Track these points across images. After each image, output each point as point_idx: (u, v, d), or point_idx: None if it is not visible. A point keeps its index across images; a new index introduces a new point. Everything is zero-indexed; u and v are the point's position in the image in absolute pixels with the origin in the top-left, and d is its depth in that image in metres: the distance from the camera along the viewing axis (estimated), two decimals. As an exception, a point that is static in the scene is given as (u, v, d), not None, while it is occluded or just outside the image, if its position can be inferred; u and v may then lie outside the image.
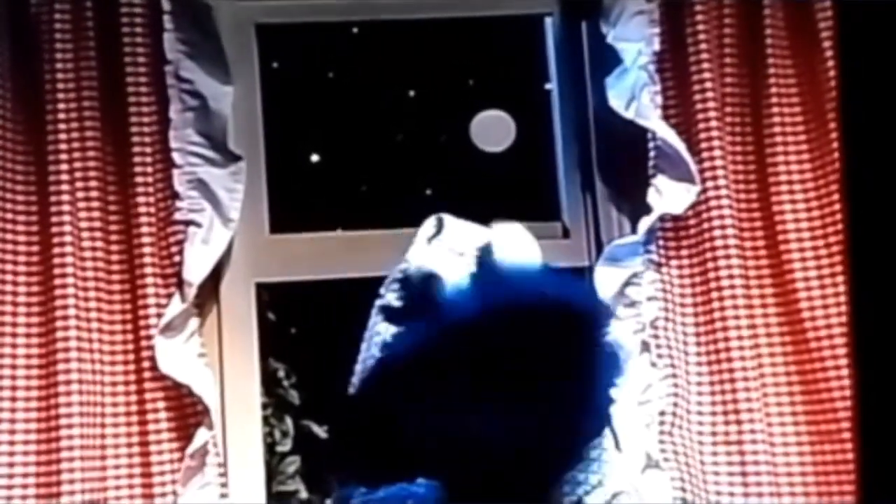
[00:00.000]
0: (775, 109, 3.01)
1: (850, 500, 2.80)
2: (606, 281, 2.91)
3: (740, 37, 3.05)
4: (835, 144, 2.91)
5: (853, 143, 1.58)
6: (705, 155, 2.97)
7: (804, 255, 2.96)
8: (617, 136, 3.06)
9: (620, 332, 2.84)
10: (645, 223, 2.94)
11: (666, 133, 2.95)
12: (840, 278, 2.89)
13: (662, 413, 2.89)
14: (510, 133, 3.96)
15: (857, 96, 1.56)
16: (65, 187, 2.82)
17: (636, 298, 2.94)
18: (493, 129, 3.98)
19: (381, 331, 2.36)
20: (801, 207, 2.99)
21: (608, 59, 3.03)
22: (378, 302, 2.41)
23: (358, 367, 2.37)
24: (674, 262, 2.97)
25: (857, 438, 1.59)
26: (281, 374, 4.56)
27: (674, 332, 2.94)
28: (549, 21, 3.23)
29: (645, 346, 2.92)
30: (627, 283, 2.93)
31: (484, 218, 2.86)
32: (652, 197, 2.95)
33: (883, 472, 1.48)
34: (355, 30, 4.45)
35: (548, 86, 3.27)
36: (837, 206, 2.91)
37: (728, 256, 2.93)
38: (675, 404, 2.90)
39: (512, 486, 2.12)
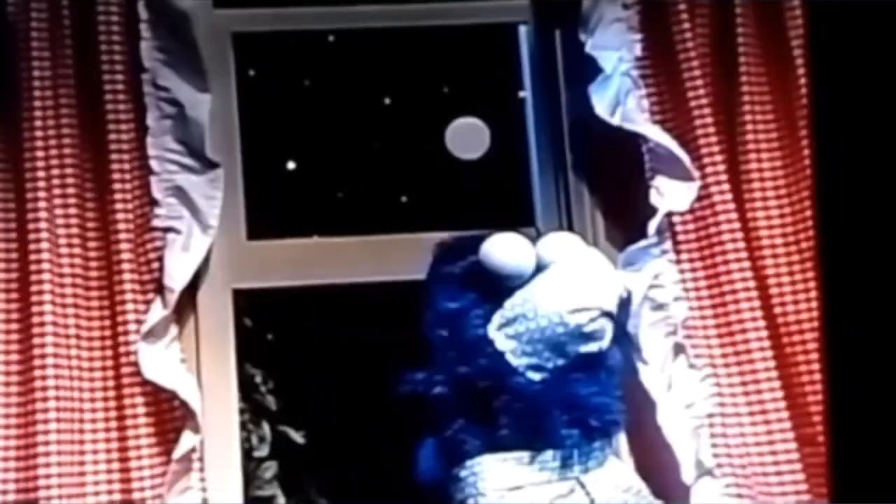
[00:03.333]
0: (748, 117, 3.04)
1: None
2: (630, 286, 2.88)
3: (713, 44, 3.07)
4: (806, 150, 2.94)
5: (824, 148, 1.61)
6: (704, 152, 2.99)
7: (777, 261, 2.99)
8: (592, 140, 3.09)
9: (651, 336, 2.88)
10: (654, 224, 2.95)
11: (657, 135, 2.97)
12: (812, 283, 2.92)
13: (710, 415, 2.89)
14: (485, 140, 3.96)
15: (828, 101, 1.58)
16: (42, 194, 2.82)
17: (663, 300, 2.94)
18: (467, 137, 3.98)
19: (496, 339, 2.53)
20: (775, 213, 3.01)
21: (583, 66, 3.05)
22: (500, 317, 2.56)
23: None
24: (688, 262, 2.99)
25: (829, 440, 1.61)
26: (258, 379, 4.56)
27: (703, 331, 2.95)
28: (523, 29, 3.25)
29: (679, 349, 2.92)
30: (652, 286, 2.94)
31: (460, 224, 2.89)
32: (654, 198, 2.96)
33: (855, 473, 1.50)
34: (331, 38, 4.46)
35: (521, 93, 3.29)
36: (809, 212, 2.93)
37: (738, 250, 2.95)
38: (721, 404, 2.90)
39: None
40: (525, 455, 2.51)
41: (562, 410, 2.51)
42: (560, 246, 2.65)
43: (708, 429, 2.89)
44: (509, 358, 2.52)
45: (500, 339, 2.53)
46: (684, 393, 2.89)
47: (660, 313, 2.94)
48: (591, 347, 2.53)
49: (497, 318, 2.55)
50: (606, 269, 2.64)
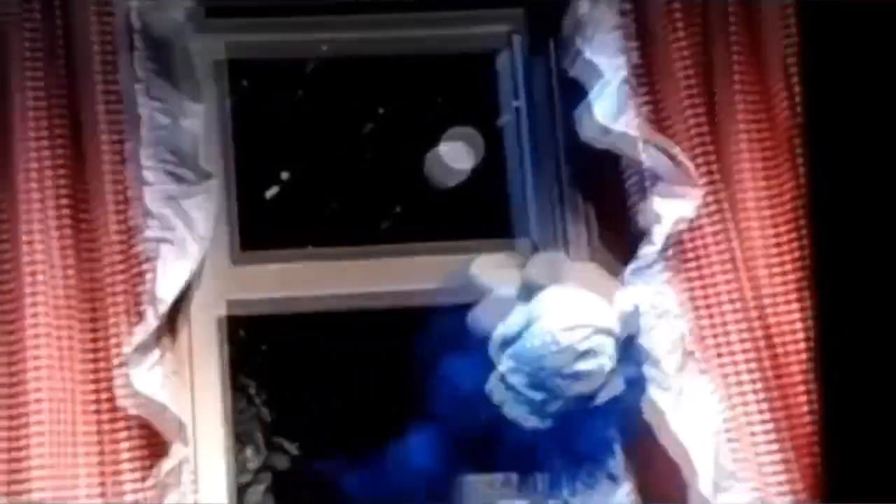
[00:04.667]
0: (742, 126, 3.03)
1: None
2: (638, 296, 2.87)
3: (707, 53, 3.07)
4: (800, 160, 2.94)
5: (815, 162, 1.61)
6: (700, 161, 3.00)
7: (772, 270, 2.97)
8: (587, 151, 3.08)
9: (658, 347, 2.87)
10: (659, 231, 2.95)
11: (659, 142, 2.97)
12: (805, 293, 2.91)
13: (726, 420, 2.90)
14: (478, 152, 3.97)
15: (820, 113, 1.59)
16: (35, 205, 2.82)
17: (667, 309, 2.94)
18: (459, 149, 3.99)
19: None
20: (769, 223, 3.00)
21: (577, 77, 3.05)
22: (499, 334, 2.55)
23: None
24: (685, 272, 2.99)
25: (821, 445, 1.62)
26: (252, 391, 4.56)
27: (713, 339, 2.95)
28: (516, 39, 3.25)
29: (690, 355, 2.92)
30: (657, 293, 2.94)
31: (452, 237, 2.89)
32: (657, 205, 2.97)
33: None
34: (324, 48, 4.46)
35: (515, 103, 3.29)
36: (803, 220, 2.93)
37: (728, 260, 2.96)
38: (733, 407, 2.91)
39: None
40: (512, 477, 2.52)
41: (559, 462, 2.53)
42: (551, 267, 2.63)
43: (725, 434, 2.88)
44: (506, 411, 2.50)
45: (501, 360, 2.52)
46: (697, 400, 2.89)
47: (664, 322, 2.93)
48: (589, 365, 2.50)
49: (498, 337, 2.54)
50: (601, 284, 2.62)
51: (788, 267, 2.96)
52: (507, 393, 2.50)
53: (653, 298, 2.92)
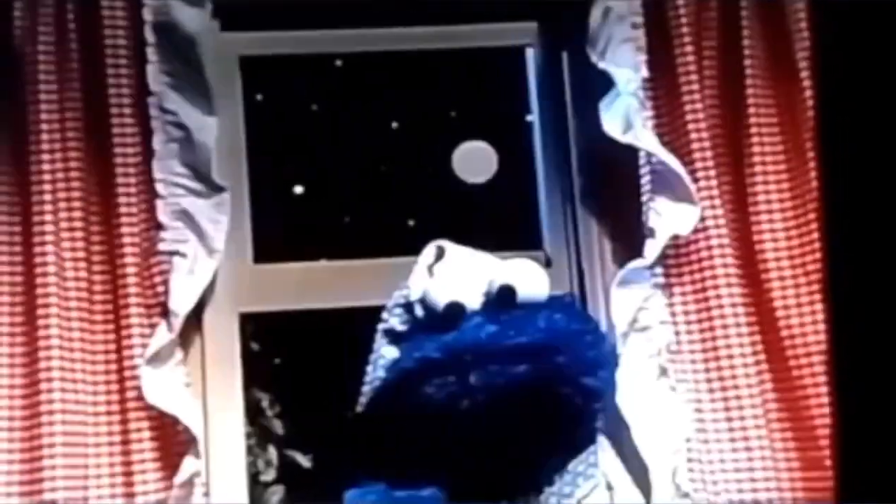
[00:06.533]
0: (755, 139, 3.03)
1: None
2: (621, 306, 2.91)
3: (719, 66, 3.07)
4: (813, 173, 2.94)
5: (830, 172, 1.60)
6: (701, 175, 2.99)
7: (784, 283, 2.98)
8: (599, 164, 3.09)
9: (635, 357, 2.88)
10: (653, 246, 2.94)
11: (665, 156, 2.96)
12: (818, 306, 2.90)
13: (689, 440, 2.89)
14: (492, 164, 3.97)
15: (834, 124, 1.58)
16: (48, 217, 2.82)
17: (648, 323, 2.94)
18: (474, 161, 3.99)
19: (385, 354, 2.53)
20: (782, 237, 3.00)
21: (590, 88, 3.05)
22: (381, 326, 2.58)
23: (365, 388, 2.56)
24: (678, 286, 2.98)
25: (834, 459, 1.61)
26: (265, 403, 4.56)
27: (690, 356, 2.95)
28: (529, 52, 3.25)
29: (663, 371, 2.92)
30: (640, 308, 2.93)
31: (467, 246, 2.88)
32: (653, 220, 2.96)
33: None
34: (339, 62, 4.47)
35: (529, 117, 3.29)
36: (816, 234, 2.93)
37: (728, 275, 2.95)
38: (701, 430, 2.90)
39: (505, 488, 2.42)
40: None
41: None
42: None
43: (686, 453, 2.88)
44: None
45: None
46: (663, 415, 2.88)
47: (644, 335, 2.93)
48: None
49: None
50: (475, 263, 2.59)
51: (802, 280, 2.97)
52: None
53: (635, 313, 2.92)
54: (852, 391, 1.53)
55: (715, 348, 2.94)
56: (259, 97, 4.30)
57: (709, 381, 2.94)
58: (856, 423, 1.52)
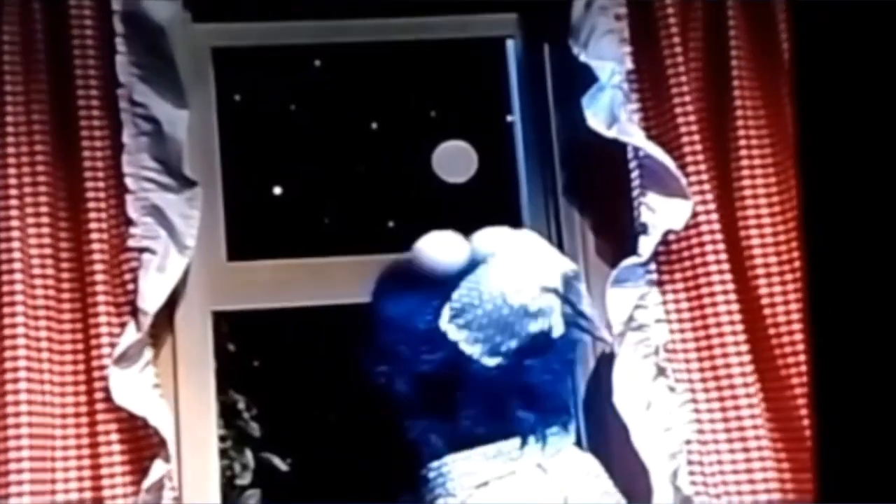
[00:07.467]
0: (741, 132, 2.97)
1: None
2: (617, 305, 2.86)
3: (705, 59, 3.02)
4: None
5: (811, 167, 1.58)
6: (691, 170, 2.94)
7: (771, 280, 2.92)
8: (583, 160, 3.03)
9: (631, 357, 2.83)
10: (647, 242, 2.89)
11: (653, 150, 2.90)
12: (801, 294, 2.86)
13: (688, 442, 2.84)
14: (472, 163, 3.94)
15: (815, 118, 1.56)
16: (14, 213, 2.74)
17: (644, 322, 2.88)
18: (454, 160, 3.96)
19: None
20: (769, 232, 2.95)
21: (573, 82, 2.99)
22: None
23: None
24: (670, 283, 2.93)
25: (815, 446, 1.58)
26: (241, 405, 4.52)
27: (684, 354, 2.90)
28: (510, 44, 3.19)
29: (660, 371, 2.86)
30: (636, 306, 2.88)
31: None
32: (645, 215, 2.91)
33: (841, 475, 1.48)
34: (318, 63, 4.44)
35: (510, 117, 3.24)
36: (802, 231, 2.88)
37: (721, 271, 2.90)
38: (700, 431, 2.85)
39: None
40: (489, 449, 2.51)
41: (517, 396, 2.52)
42: (495, 237, 2.66)
43: (686, 455, 2.83)
44: (463, 347, 2.52)
45: (452, 331, 2.54)
46: (663, 416, 2.83)
47: (640, 334, 2.87)
48: (541, 324, 2.54)
49: (446, 311, 2.55)
50: (543, 249, 2.67)
51: (788, 277, 2.91)
52: (462, 332, 2.54)
53: (631, 311, 2.86)
54: (832, 389, 1.52)
55: (710, 347, 2.89)
56: (237, 97, 4.26)
57: (704, 380, 2.89)
58: (835, 422, 1.50)
